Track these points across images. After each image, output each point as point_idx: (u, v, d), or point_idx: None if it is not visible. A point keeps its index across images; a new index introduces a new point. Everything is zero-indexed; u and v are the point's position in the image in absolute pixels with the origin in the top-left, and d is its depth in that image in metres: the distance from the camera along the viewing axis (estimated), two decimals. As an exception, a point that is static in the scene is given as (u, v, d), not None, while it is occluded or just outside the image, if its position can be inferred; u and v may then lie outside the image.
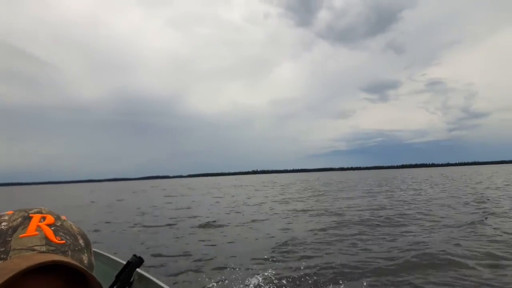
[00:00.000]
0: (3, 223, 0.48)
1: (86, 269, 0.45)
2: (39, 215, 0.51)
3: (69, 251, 0.49)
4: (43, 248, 0.46)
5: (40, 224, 0.49)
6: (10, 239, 0.46)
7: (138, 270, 1.81)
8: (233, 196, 21.92)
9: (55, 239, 0.49)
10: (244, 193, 24.56)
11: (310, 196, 18.47)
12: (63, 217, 0.54)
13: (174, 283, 4.67)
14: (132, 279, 1.56)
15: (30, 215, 0.50)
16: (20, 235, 0.47)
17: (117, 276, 1.37)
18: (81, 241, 0.53)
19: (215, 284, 4.53)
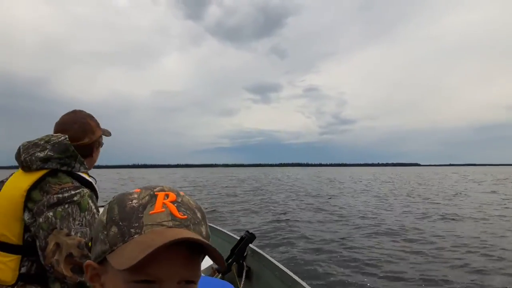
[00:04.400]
0: (134, 201, 0.53)
1: (206, 241, 0.52)
2: (163, 193, 0.55)
3: (191, 225, 0.54)
4: (170, 223, 0.52)
5: (165, 201, 0.54)
6: (142, 215, 0.52)
7: (250, 245, 1.99)
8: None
9: (178, 215, 0.53)
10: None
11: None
12: (182, 193, 0.58)
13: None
14: (245, 253, 1.83)
15: (155, 193, 0.55)
16: (150, 212, 0.52)
17: (232, 250, 1.66)
18: (198, 214, 0.57)
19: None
